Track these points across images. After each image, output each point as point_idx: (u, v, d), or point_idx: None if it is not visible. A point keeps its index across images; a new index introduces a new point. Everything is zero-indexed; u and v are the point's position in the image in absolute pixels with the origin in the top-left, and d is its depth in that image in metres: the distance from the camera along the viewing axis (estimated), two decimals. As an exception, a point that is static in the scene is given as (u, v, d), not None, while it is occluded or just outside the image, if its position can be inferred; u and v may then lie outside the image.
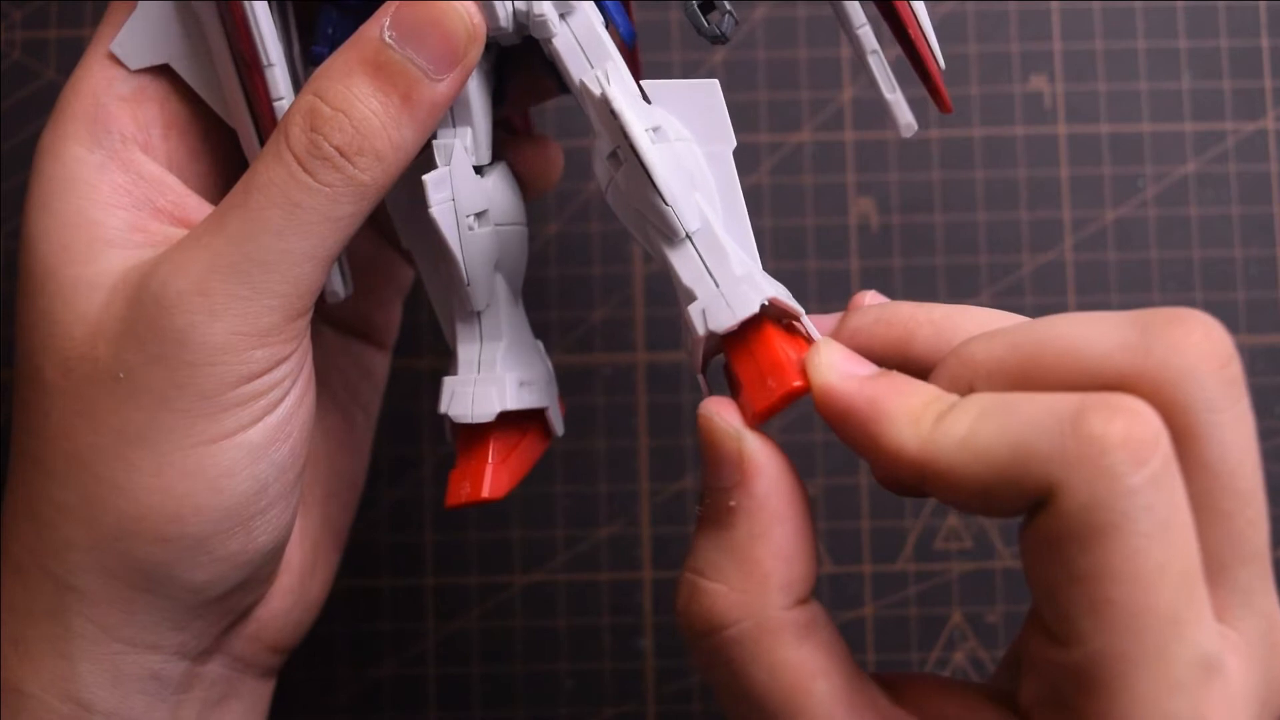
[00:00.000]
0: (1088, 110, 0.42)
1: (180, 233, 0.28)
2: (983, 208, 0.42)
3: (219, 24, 0.28)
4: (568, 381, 0.41)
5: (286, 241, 0.26)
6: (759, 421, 0.25)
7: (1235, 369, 0.23)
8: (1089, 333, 0.23)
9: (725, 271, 0.26)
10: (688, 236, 0.27)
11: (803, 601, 0.25)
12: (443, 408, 0.29)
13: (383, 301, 0.35)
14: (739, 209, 0.27)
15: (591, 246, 0.42)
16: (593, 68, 0.28)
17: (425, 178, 0.27)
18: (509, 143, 0.32)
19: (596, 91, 0.27)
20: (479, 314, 0.30)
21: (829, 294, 0.42)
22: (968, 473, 0.22)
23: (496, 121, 0.30)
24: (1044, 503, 0.22)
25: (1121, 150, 0.42)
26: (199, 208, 0.29)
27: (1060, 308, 0.41)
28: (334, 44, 0.27)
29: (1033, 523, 0.22)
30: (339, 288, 0.30)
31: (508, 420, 0.30)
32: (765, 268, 0.27)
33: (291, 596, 0.31)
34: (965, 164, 0.42)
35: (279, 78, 0.28)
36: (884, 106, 0.29)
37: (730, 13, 0.28)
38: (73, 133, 0.28)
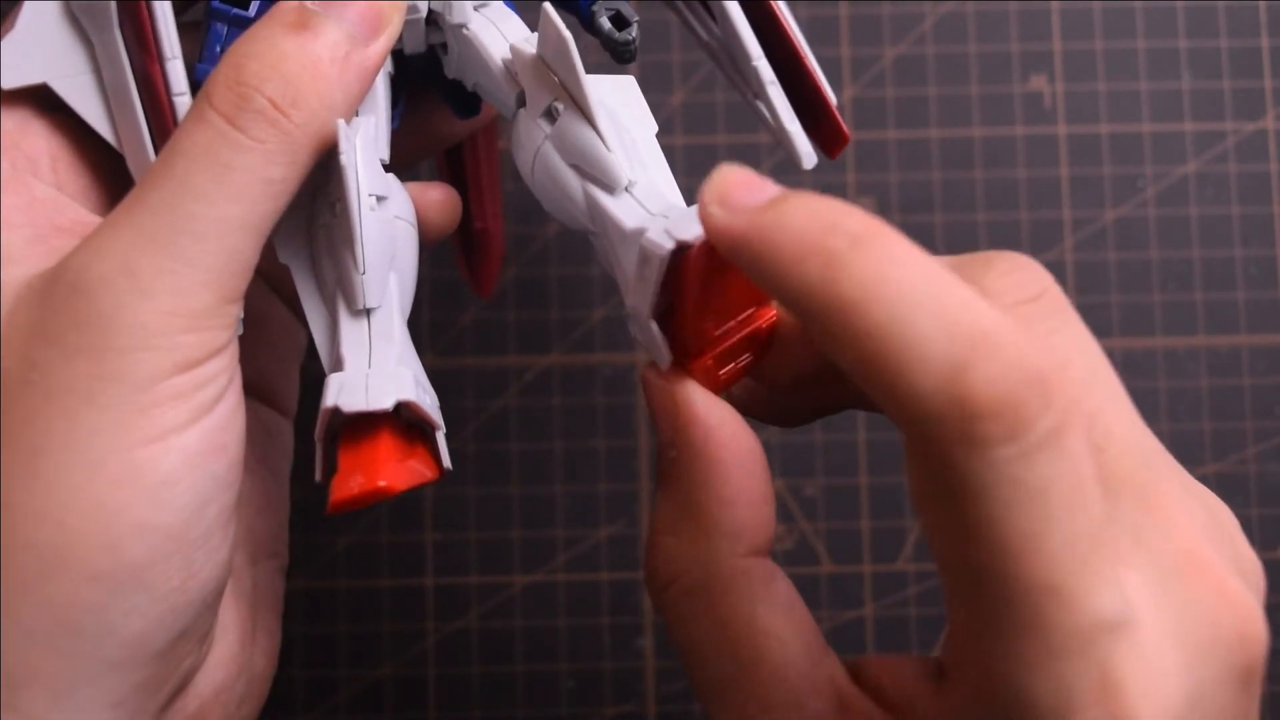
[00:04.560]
0: (1088, 110, 0.42)
1: None
2: (983, 208, 0.42)
3: (112, 30, 0.27)
4: (568, 381, 0.41)
5: (218, 208, 0.24)
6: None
7: (1046, 303, 0.23)
8: None
9: (676, 210, 0.25)
10: (627, 188, 0.26)
11: (758, 553, 0.24)
12: (329, 400, 0.25)
13: (279, 357, 0.32)
14: (671, 182, 0.27)
15: (591, 246, 0.42)
16: (509, 40, 0.28)
17: (339, 122, 0.26)
18: (408, 185, 0.30)
19: (530, 50, 0.27)
20: (369, 314, 0.27)
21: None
22: (843, 345, 0.20)
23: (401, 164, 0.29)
24: (904, 426, 0.20)
25: (1121, 150, 0.42)
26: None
27: (1060, 308, 0.41)
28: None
29: (906, 452, 0.21)
30: None
31: (397, 428, 0.26)
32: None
33: (235, 667, 0.27)
34: (965, 164, 0.42)
35: (181, 71, 0.26)
36: (783, 139, 0.29)
37: (636, 21, 0.28)
38: None
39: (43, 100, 0.27)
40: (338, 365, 0.26)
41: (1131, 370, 0.42)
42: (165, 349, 0.23)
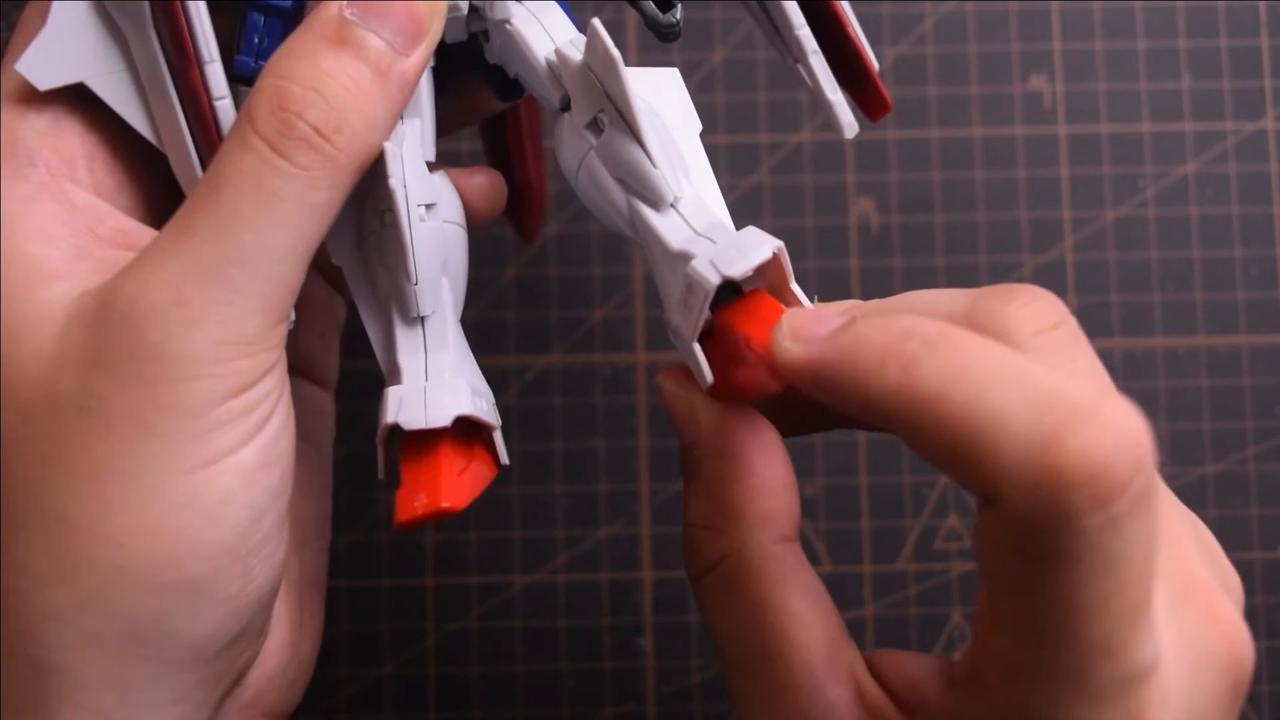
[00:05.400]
0: (1088, 110, 0.42)
1: (129, 255, 0.25)
2: (983, 208, 0.42)
3: (147, 30, 0.26)
4: (568, 381, 0.41)
5: (265, 236, 0.24)
6: (770, 382, 0.25)
7: (1064, 332, 0.24)
8: (928, 305, 0.24)
9: (722, 230, 0.25)
10: (673, 204, 0.26)
11: (787, 539, 0.26)
12: (389, 416, 0.26)
13: (321, 334, 0.33)
14: (713, 184, 0.27)
15: (591, 246, 0.42)
16: (554, 42, 0.27)
17: (386, 145, 0.26)
18: (451, 171, 0.30)
19: (576, 57, 0.26)
20: (423, 321, 0.27)
21: (829, 294, 0.42)
22: (925, 436, 0.21)
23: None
24: (991, 499, 0.21)
25: (1121, 150, 0.42)
26: (143, 231, 0.26)
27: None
28: (260, 53, 0.26)
29: (982, 510, 0.22)
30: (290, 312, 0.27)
31: (456, 436, 0.27)
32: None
33: (285, 654, 0.28)
34: (965, 164, 0.42)
35: (220, 75, 0.26)
36: (825, 109, 0.29)
37: (681, 2, 0.28)
38: None
39: (73, 94, 0.26)
40: (394, 371, 0.27)
41: (1131, 370, 0.42)
42: (218, 376, 0.23)
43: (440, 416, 0.26)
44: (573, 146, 0.27)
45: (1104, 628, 0.21)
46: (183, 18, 0.25)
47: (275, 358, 0.25)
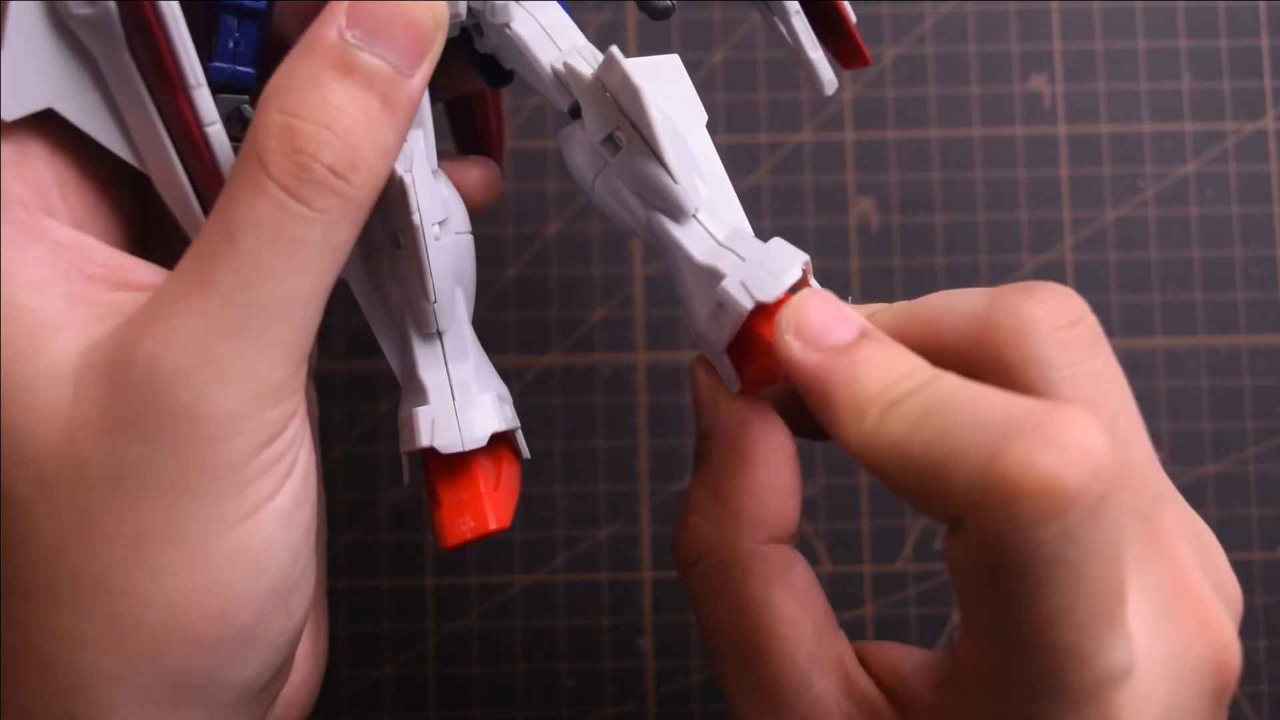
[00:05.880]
0: (1088, 110, 0.42)
1: (128, 298, 0.24)
2: (983, 208, 0.42)
3: (121, 53, 0.24)
4: (568, 381, 0.41)
5: (289, 284, 0.23)
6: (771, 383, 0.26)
7: (1083, 329, 0.24)
8: (951, 304, 0.25)
9: (747, 244, 0.26)
10: (694, 214, 0.26)
11: (778, 541, 0.26)
12: (424, 440, 0.27)
13: None
14: (724, 180, 0.27)
15: (591, 246, 0.42)
16: (561, 51, 0.27)
17: (405, 177, 0.25)
18: (447, 165, 0.30)
19: (587, 72, 0.26)
20: (441, 335, 0.27)
21: (829, 294, 0.42)
22: (898, 478, 0.22)
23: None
24: (956, 525, 0.21)
25: (1121, 150, 0.42)
26: (134, 264, 0.25)
27: (1060, 308, 0.41)
28: (236, 58, 0.26)
29: (949, 536, 0.22)
30: None
31: (484, 446, 0.27)
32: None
33: (309, 666, 0.29)
34: (965, 164, 0.42)
35: (209, 100, 0.24)
36: (806, 67, 0.29)
37: None
38: None
39: (34, 115, 0.25)
40: (415, 386, 0.27)
41: (1131, 370, 0.42)
42: (252, 431, 0.23)
43: (475, 438, 0.27)
44: (587, 160, 0.27)
45: (1070, 635, 0.21)
46: (164, 42, 0.24)
47: (300, 399, 0.24)
